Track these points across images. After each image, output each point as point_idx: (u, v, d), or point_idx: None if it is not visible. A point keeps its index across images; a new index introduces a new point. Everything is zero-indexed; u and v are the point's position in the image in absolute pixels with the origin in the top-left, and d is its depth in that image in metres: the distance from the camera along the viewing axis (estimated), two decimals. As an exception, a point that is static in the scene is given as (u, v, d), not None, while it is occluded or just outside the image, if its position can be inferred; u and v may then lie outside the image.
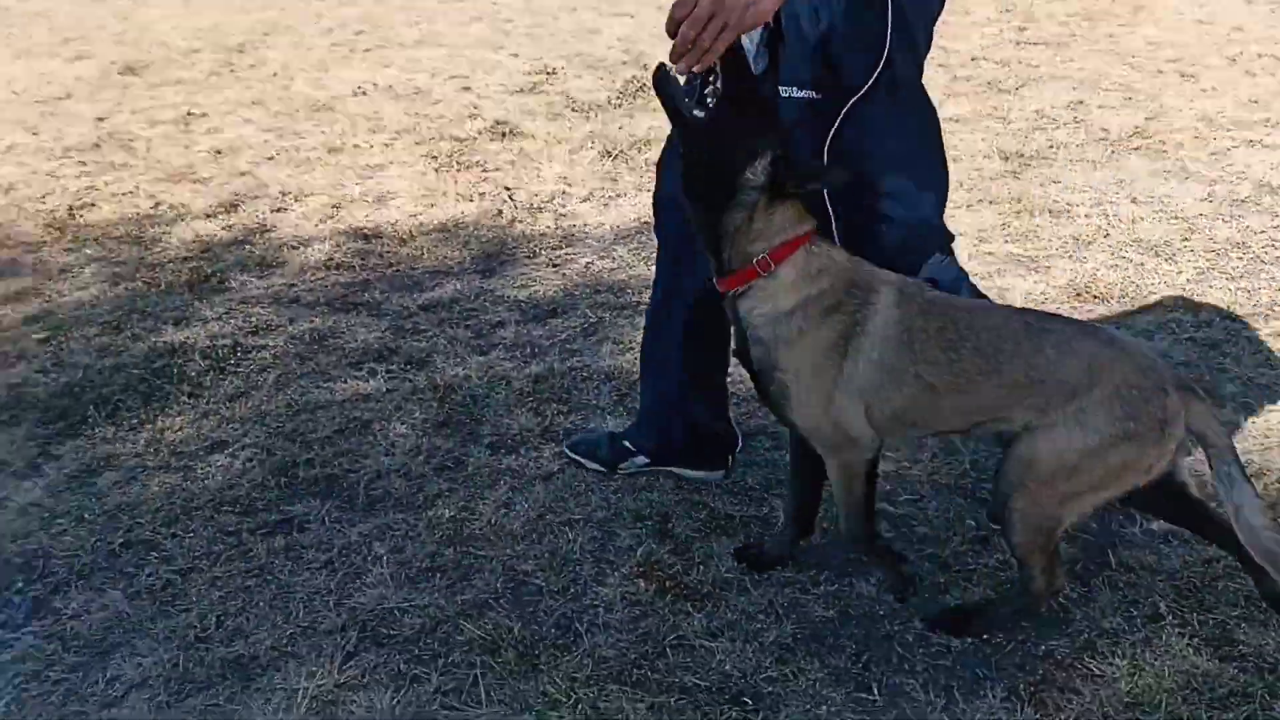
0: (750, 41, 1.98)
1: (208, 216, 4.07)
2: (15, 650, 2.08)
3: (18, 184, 4.27)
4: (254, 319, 3.32)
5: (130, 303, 3.39)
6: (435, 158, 4.64)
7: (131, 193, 4.24)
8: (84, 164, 4.49)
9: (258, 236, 3.92)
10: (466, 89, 5.64)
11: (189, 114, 5.11)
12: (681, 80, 1.84)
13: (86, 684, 2.00)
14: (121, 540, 2.38)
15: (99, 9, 6.93)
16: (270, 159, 4.64)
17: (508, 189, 4.27)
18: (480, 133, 4.92)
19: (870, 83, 2.08)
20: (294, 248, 3.84)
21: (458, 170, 4.51)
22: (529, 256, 3.69)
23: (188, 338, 3.20)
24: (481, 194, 4.29)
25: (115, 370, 3.02)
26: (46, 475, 2.60)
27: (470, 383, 2.96)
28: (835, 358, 1.92)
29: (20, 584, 2.27)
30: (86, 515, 2.46)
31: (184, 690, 1.98)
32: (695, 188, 1.92)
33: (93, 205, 4.12)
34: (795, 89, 2.11)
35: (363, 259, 3.75)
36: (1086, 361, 1.84)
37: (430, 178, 4.44)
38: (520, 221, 3.98)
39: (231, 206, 4.16)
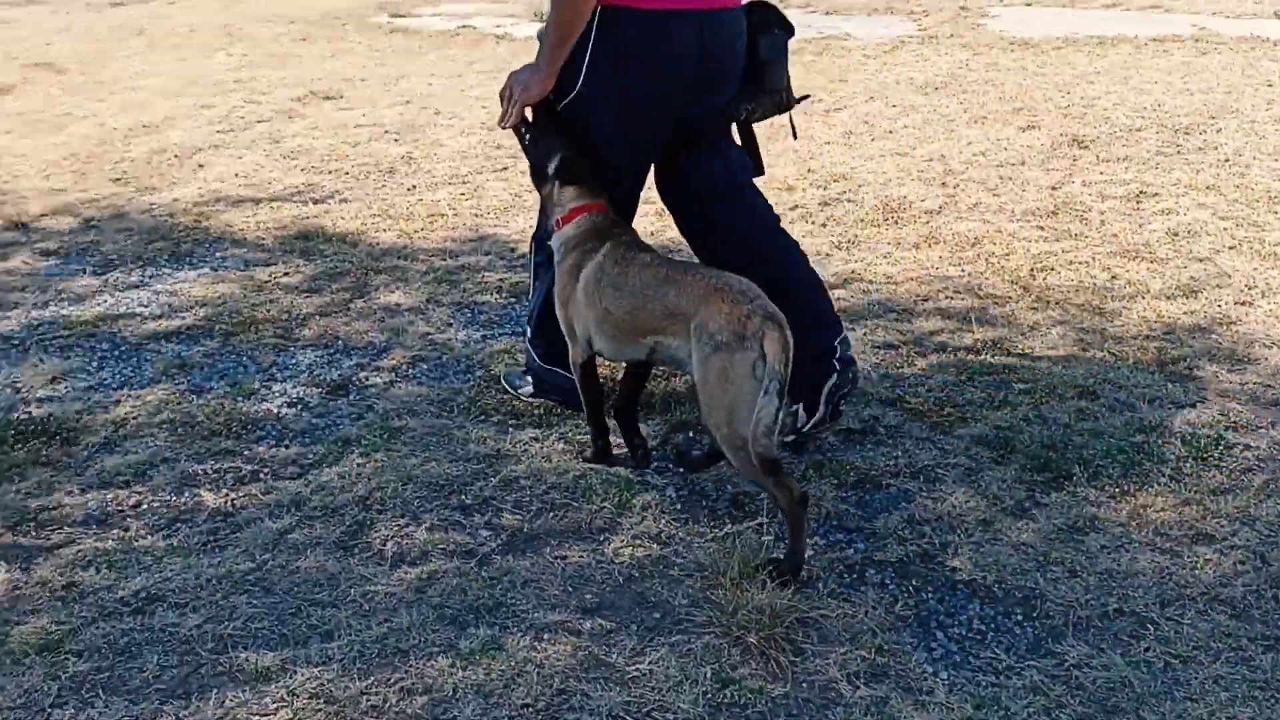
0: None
1: (1166, 298, 4.05)
2: (1023, 680, 2.25)
3: (983, 239, 4.68)
4: (1231, 414, 3.22)
5: (1101, 371, 3.51)
6: None
7: (1086, 263, 4.40)
8: (1041, 229, 4.78)
9: (1223, 327, 3.80)
10: None
11: (1140, 192, 5.16)
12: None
13: (1097, 738, 2.09)
14: (1114, 607, 2.45)
15: (1042, 81, 7.35)
16: (1231, 248, 4.48)
17: None
18: None
19: (564, 102, 2.90)
20: (1267, 346, 3.65)
21: None
22: None
23: (1162, 419, 3.21)
24: None
25: (1094, 435, 3.13)
26: (1036, 520, 2.78)
27: None
28: (571, 280, 2.91)
29: (1019, 616, 2.46)
30: (1078, 570, 2.59)
31: (1203, 784, 1.97)
32: (532, 177, 3.07)
33: (1051, 270, 4.35)
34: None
35: (1348, 373, 3.43)
36: (695, 298, 2.62)
37: None
38: None
39: (1191, 292, 4.10)
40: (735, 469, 2.68)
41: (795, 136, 3.34)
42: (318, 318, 4.11)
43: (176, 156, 6.14)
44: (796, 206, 5.16)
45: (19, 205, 5.35)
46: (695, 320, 2.59)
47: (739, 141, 3.12)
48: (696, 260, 3.15)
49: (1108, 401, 3.31)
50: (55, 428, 3.30)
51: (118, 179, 5.77)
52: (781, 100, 3.03)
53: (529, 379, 3.45)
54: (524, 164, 6.14)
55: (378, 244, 4.84)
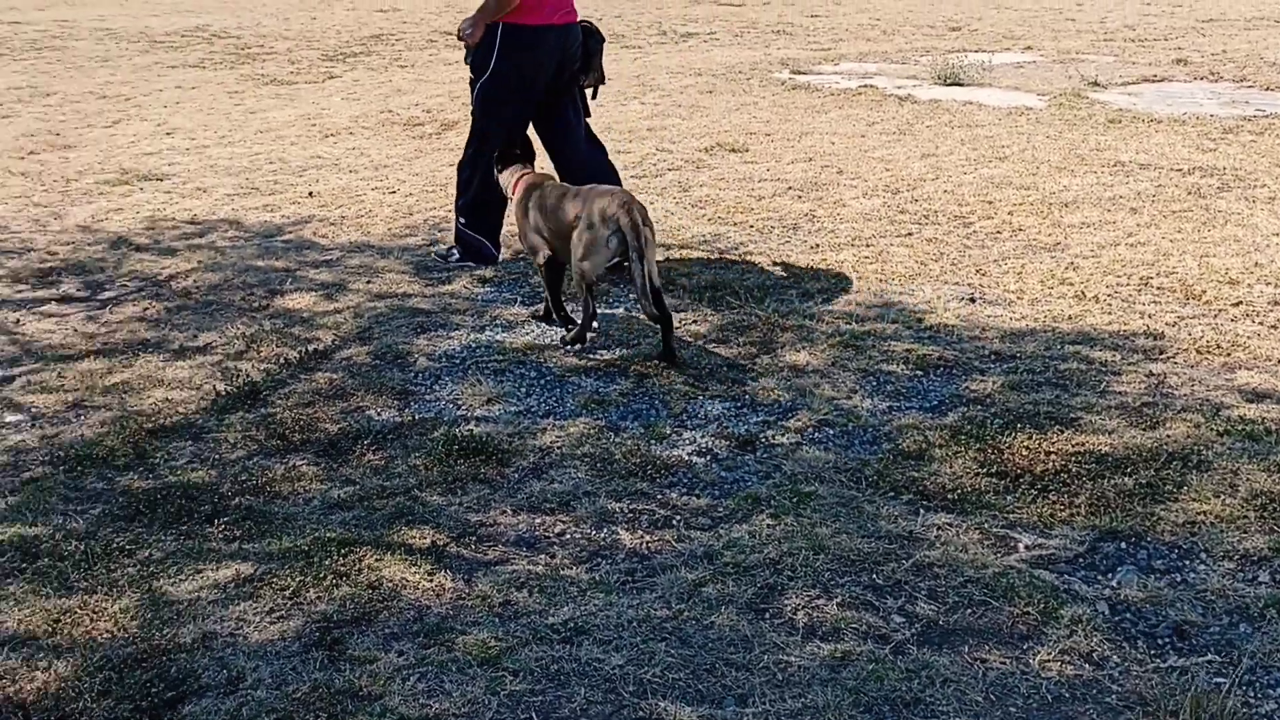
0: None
1: None
2: None
3: None
4: None
5: None
6: None
7: None
8: None
9: None
10: None
11: None
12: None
13: None
14: None
15: None
16: None
17: None
18: None
19: (480, 81, 5.06)
20: None
21: None
22: None
23: None
24: None
25: None
26: None
27: None
28: (526, 219, 4.49)
29: None
30: None
31: None
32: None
33: None
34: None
35: None
36: (583, 204, 4.19)
37: None
38: None
39: None
40: (576, 286, 4.31)
41: (594, 97, 5.37)
42: (725, 369, 4.19)
43: (595, 198, 6.54)
44: (1240, 303, 4.67)
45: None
46: (587, 212, 4.14)
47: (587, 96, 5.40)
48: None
49: None
50: (491, 448, 3.56)
51: (543, 216, 6.22)
52: (599, 79, 5.25)
53: (455, 248, 5.36)
54: (928, 230, 6.07)
55: (782, 301, 4.88)
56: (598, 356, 4.32)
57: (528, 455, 3.55)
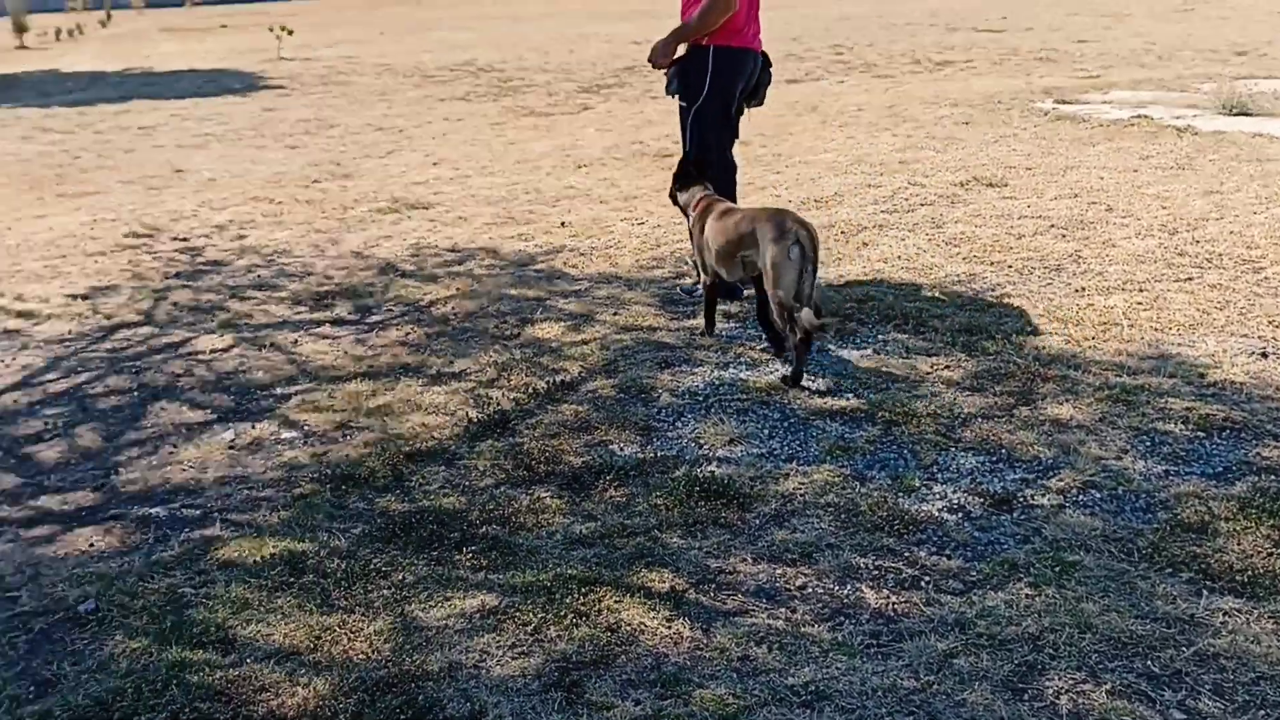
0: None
1: None
2: None
3: None
4: None
5: None
6: None
7: None
8: None
9: None
10: None
11: None
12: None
13: None
14: None
15: None
16: None
17: None
18: None
19: (696, 106, 5.14)
20: None
21: None
22: None
23: None
24: None
25: None
26: None
27: None
28: (700, 235, 4.73)
29: None
30: None
31: None
32: (672, 190, 5.12)
33: None
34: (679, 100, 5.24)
35: None
36: (759, 222, 4.36)
37: None
38: None
39: None
40: (773, 311, 4.37)
41: (742, 114, 5.39)
42: (980, 420, 3.96)
43: (843, 233, 6.40)
44: None
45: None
46: (761, 233, 4.32)
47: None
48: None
49: None
50: (733, 491, 3.50)
51: (790, 250, 6.13)
52: (761, 103, 5.38)
53: (700, 283, 5.15)
54: (1211, 275, 5.56)
55: (1043, 348, 4.58)
56: (844, 400, 4.19)
57: (769, 501, 3.47)
